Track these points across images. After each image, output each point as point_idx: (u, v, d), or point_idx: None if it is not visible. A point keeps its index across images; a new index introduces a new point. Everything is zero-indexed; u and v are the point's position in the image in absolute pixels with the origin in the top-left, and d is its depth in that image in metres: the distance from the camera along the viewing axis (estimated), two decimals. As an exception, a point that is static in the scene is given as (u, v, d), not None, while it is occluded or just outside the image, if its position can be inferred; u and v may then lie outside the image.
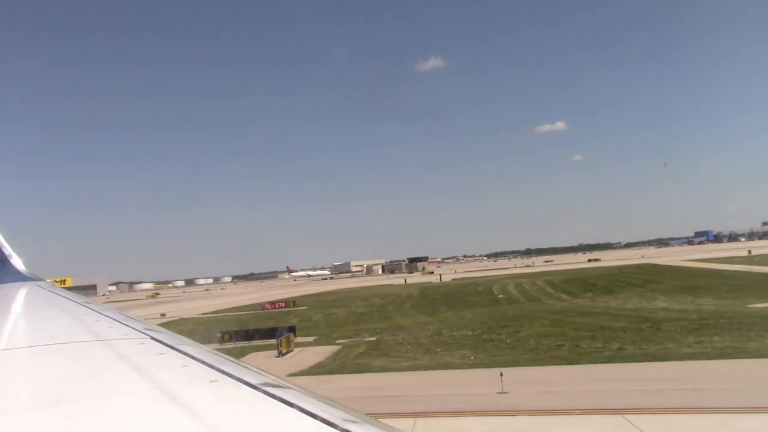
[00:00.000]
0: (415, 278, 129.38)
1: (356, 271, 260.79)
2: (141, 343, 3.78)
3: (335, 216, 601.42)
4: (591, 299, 60.11)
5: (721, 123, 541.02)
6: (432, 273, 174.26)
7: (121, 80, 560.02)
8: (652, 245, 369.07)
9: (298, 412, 2.11)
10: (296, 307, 78.17)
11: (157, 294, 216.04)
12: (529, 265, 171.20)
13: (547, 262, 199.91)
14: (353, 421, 2.01)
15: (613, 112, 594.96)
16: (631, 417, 18.10)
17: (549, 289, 75.43)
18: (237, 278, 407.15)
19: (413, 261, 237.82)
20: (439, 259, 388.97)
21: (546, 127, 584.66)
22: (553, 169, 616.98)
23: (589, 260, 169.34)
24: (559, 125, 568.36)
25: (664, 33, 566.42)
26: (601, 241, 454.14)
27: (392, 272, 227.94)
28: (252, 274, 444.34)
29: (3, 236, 12.48)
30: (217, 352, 3.53)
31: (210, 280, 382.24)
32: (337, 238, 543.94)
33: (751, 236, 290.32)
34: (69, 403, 2.49)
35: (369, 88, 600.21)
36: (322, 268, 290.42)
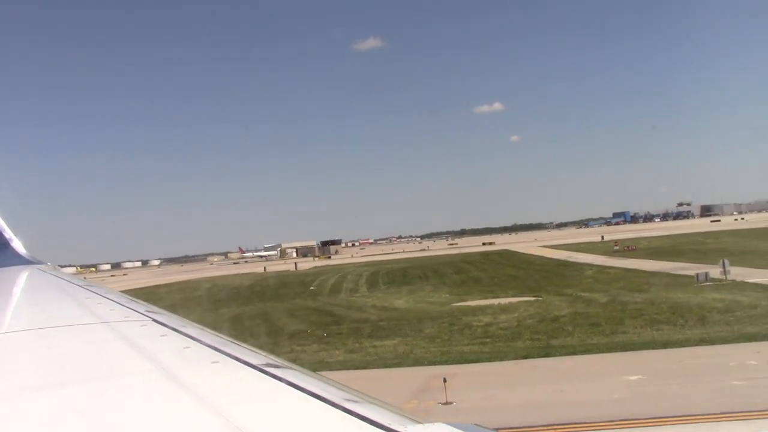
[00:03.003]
0: (279, 266, 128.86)
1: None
2: (143, 325, 3.84)
3: (274, 196, 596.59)
4: (371, 293, 60.41)
5: (647, 107, 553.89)
6: (329, 258, 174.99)
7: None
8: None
9: (300, 392, 2.13)
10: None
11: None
12: (425, 249, 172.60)
13: (451, 245, 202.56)
14: (354, 401, 2.03)
15: (549, 94, 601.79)
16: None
17: (362, 281, 75.75)
18: (168, 261, 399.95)
19: (326, 244, 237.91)
20: (371, 241, 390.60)
21: (484, 108, 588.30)
22: (491, 149, 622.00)
23: (484, 244, 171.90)
24: (497, 106, 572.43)
25: (599, 14, 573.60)
26: (535, 221, 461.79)
27: (305, 255, 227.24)
28: (186, 257, 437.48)
29: (3, 221, 12.41)
30: (219, 334, 3.52)
31: (138, 263, 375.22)
32: (280, 218, 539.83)
33: (665, 217, 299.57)
34: (72, 384, 2.51)
35: (304, 67, 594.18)
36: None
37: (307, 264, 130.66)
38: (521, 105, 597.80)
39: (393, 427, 1.76)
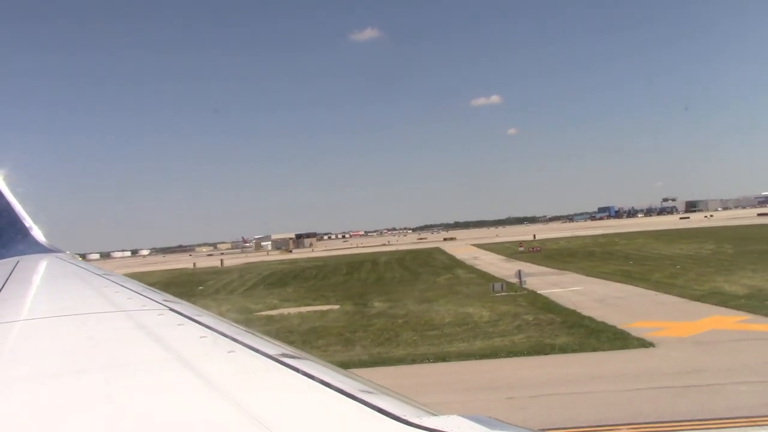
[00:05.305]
0: (213, 261, 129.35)
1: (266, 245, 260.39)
2: (160, 314, 3.89)
3: (274, 187, 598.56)
4: (239, 296, 60.38)
5: (644, 102, 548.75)
6: (290, 252, 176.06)
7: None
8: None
9: (315, 383, 2.15)
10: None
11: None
12: (385, 244, 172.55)
13: (420, 239, 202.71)
14: (369, 392, 2.04)
15: (547, 87, 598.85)
16: None
17: (256, 281, 75.66)
18: (160, 251, 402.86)
19: (300, 237, 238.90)
20: (362, 233, 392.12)
21: (481, 101, 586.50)
22: (488, 142, 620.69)
23: (445, 239, 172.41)
24: (494, 99, 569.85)
25: (596, 9, 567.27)
26: (529, 215, 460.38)
27: (278, 248, 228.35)
28: (180, 246, 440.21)
29: (24, 209, 12.63)
30: (235, 324, 3.58)
31: (128, 253, 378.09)
32: (280, 209, 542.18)
33: (649, 212, 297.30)
34: (90, 372, 2.53)
35: (300, 58, 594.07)
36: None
37: (247, 259, 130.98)
38: (519, 98, 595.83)
39: (408, 418, 1.77)
